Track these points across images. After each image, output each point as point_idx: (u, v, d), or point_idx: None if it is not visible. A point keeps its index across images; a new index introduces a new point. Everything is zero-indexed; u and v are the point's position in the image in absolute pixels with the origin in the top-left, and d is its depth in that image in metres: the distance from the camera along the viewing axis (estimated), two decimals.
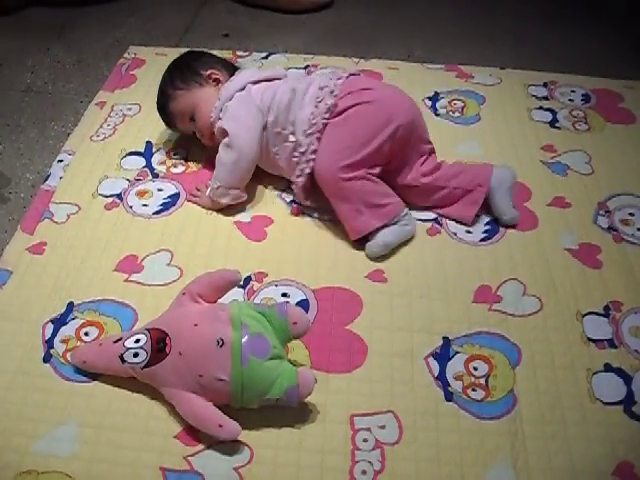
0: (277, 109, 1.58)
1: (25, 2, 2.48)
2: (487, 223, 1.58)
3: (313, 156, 1.52)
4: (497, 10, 2.55)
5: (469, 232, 1.56)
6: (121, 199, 1.63)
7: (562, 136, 1.86)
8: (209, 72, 1.68)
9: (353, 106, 1.52)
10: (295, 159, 1.55)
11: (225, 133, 1.57)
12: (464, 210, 1.58)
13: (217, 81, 1.68)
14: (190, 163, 1.73)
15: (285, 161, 1.59)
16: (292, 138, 1.55)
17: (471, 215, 1.57)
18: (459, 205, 1.59)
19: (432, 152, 1.63)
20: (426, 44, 2.26)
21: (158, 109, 1.74)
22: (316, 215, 1.59)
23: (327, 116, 1.52)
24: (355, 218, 1.50)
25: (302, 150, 1.53)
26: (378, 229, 1.49)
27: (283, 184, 1.67)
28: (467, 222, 1.58)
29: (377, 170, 1.52)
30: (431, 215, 1.60)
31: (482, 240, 1.55)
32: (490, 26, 2.44)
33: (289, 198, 1.63)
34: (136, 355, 1.20)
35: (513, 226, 1.58)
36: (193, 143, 1.76)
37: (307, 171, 1.53)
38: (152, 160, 1.74)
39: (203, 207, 1.61)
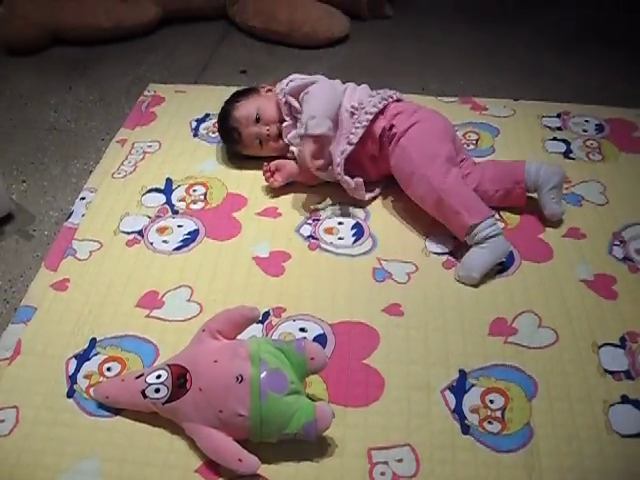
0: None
1: (48, 42, 2.55)
2: None
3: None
4: (511, 40, 2.58)
5: None
6: (142, 236, 1.66)
7: (576, 167, 1.88)
8: (264, 87, 1.89)
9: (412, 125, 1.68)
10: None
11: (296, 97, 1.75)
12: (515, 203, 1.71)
13: (270, 91, 1.87)
14: (209, 199, 1.77)
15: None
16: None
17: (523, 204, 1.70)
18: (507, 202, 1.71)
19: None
20: (440, 76, 2.29)
21: (220, 126, 1.88)
22: (333, 250, 1.62)
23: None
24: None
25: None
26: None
27: (301, 219, 1.70)
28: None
29: None
30: (447, 248, 1.62)
31: (498, 273, 1.56)
32: (504, 57, 2.48)
33: (307, 233, 1.66)
34: (157, 391, 1.23)
35: (531, 254, 1.61)
36: (213, 180, 1.81)
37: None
38: (172, 197, 1.78)
39: (289, 175, 1.77)
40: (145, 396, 1.24)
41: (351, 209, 1.74)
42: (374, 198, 1.78)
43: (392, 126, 1.69)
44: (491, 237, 1.54)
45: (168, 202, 1.76)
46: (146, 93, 2.21)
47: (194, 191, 1.79)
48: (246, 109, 1.82)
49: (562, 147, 1.96)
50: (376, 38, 2.58)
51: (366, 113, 1.70)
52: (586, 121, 2.07)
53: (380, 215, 1.73)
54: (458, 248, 1.61)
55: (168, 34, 2.64)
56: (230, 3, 2.64)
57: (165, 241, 1.65)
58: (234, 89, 2.00)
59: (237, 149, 1.88)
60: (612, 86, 2.29)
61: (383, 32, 2.65)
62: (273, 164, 1.78)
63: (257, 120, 1.81)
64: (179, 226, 1.69)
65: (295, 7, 2.52)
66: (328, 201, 1.77)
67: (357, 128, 1.69)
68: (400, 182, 1.70)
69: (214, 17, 2.70)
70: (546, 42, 2.58)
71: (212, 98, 2.15)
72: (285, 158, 1.83)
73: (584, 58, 2.46)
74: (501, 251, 1.56)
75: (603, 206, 1.75)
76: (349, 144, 1.69)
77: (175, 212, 1.73)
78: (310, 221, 1.70)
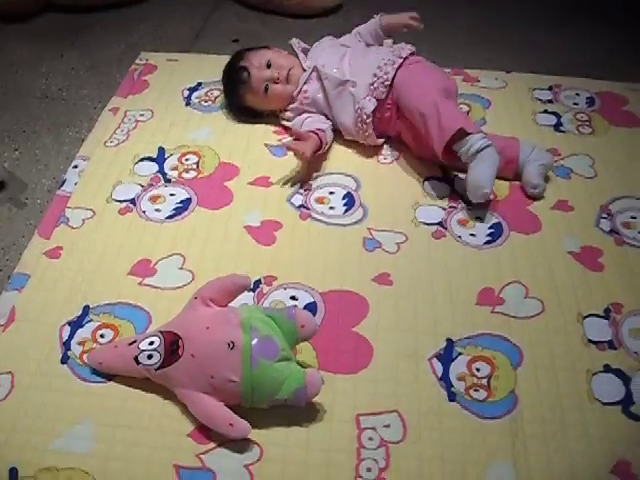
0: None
1: (40, 8, 2.53)
2: (491, 227, 1.62)
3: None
4: (504, 14, 2.58)
5: (473, 235, 1.60)
6: (134, 204, 1.67)
7: (566, 140, 1.90)
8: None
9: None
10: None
11: None
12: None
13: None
14: (202, 168, 1.78)
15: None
16: None
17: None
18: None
19: None
20: (434, 47, 2.27)
21: (229, 66, 1.94)
22: (324, 219, 1.64)
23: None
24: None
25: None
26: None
27: (292, 188, 1.72)
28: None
29: None
30: (437, 218, 1.64)
31: (486, 243, 1.58)
32: (498, 30, 2.48)
33: (298, 202, 1.68)
34: (150, 357, 1.25)
35: (520, 225, 1.63)
36: (206, 149, 1.82)
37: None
38: (164, 165, 1.79)
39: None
40: (138, 362, 1.26)
41: (342, 179, 1.75)
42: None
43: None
44: (485, 148, 1.59)
45: (161, 171, 1.77)
46: (138, 61, 2.21)
47: (186, 160, 1.80)
48: (259, 54, 1.90)
49: (553, 120, 1.97)
50: (370, 8, 2.52)
51: (386, 73, 1.77)
52: (577, 94, 2.08)
53: (371, 185, 1.74)
54: (448, 218, 1.64)
55: (161, 2, 2.62)
56: None
57: (158, 210, 1.66)
58: (227, 58, 2.00)
59: (240, 93, 1.89)
60: (604, 60, 2.30)
61: (377, 2, 2.63)
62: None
63: (268, 66, 1.86)
64: (171, 195, 1.70)
65: None
66: (320, 171, 1.78)
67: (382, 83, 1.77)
68: (398, 94, 1.76)
69: None
70: (541, 15, 2.57)
71: (204, 67, 2.16)
72: (279, 111, 1.91)
73: (577, 32, 2.47)
74: (497, 161, 1.61)
75: (592, 179, 1.77)
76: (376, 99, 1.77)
77: (167, 181, 1.74)
78: (301, 190, 1.71)
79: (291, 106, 1.88)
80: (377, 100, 1.77)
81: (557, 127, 1.94)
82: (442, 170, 1.77)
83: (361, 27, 1.99)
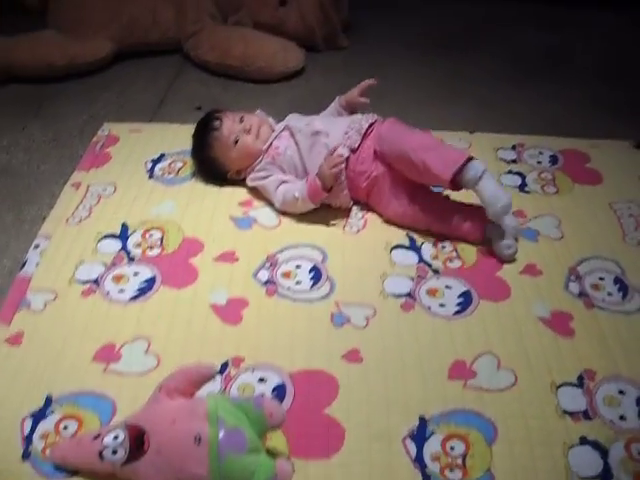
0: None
1: (1, 80, 2.51)
2: (460, 295, 1.61)
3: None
4: (466, 71, 2.62)
5: (443, 305, 1.59)
6: (98, 285, 1.64)
7: (532, 200, 1.91)
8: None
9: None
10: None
11: None
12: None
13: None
14: (166, 245, 1.75)
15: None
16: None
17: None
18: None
19: None
20: (396, 108, 2.28)
21: (203, 118, 1.97)
22: (291, 295, 1.61)
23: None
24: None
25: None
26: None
27: (258, 263, 1.69)
28: None
29: None
30: (405, 289, 1.62)
31: (456, 313, 1.57)
32: (460, 88, 2.51)
33: (264, 278, 1.65)
34: (115, 452, 1.21)
35: (489, 292, 1.62)
36: (170, 224, 1.80)
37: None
38: (128, 243, 1.76)
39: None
40: (103, 457, 1.21)
41: (308, 251, 1.74)
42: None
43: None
44: (485, 169, 1.68)
45: (124, 248, 1.74)
46: (100, 133, 2.19)
47: (150, 236, 1.78)
48: (234, 112, 1.94)
49: (517, 180, 1.98)
50: (331, 70, 2.59)
51: (360, 124, 1.84)
52: (540, 153, 2.10)
53: (337, 256, 1.72)
54: (416, 288, 1.63)
55: (123, 70, 2.62)
56: (184, 37, 2.64)
57: (121, 290, 1.63)
58: (190, 127, 2.00)
59: (209, 142, 1.90)
60: (566, 118, 2.33)
61: (338, 64, 2.66)
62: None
63: (241, 121, 1.89)
64: (135, 274, 1.67)
65: (249, 41, 2.54)
66: (285, 243, 1.76)
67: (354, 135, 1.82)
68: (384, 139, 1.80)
69: (169, 51, 2.69)
70: (501, 74, 2.61)
71: (167, 137, 2.15)
72: (249, 167, 1.90)
73: (539, 91, 2.50)
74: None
75: (559, 240, 1.77)
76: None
77: (131, 259, 1.71)
78: (267, 265, 1.69)
79: (262, 163, 1.87)
80: (351, 150, 1.79)
81: (522, 188, 1.95)
82: (409, 238, 1.76)
83: (324, 112, 2.01)
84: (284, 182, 1.84)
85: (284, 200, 1.81)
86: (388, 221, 1.81)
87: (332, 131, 1.83)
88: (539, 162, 2.06)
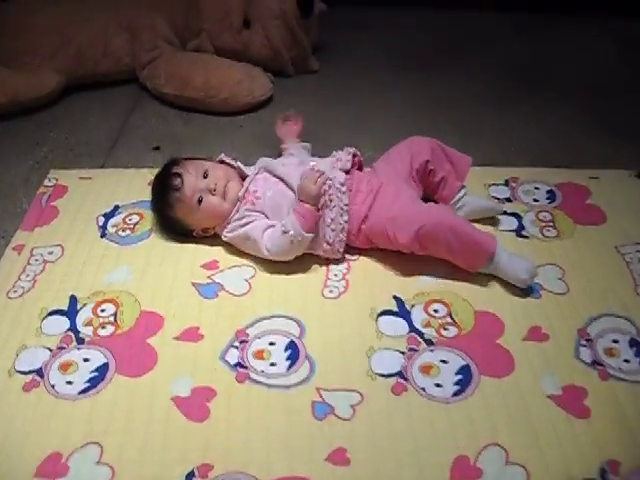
0: None
1: None
2: (458, 372, 1.41)
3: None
4: (442, 98, 2.41)
5: (439, 385, 1.38)
6: (42, 376, 1.41)
7: (531, 247, 1.71)
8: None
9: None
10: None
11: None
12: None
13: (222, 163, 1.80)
14: (120, 322, 1.53)
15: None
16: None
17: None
18: None
19: None
20: (374, 141, 2.08)
21: (161, 172, 1.74)
22: (264, 381, 1.40)
23: None
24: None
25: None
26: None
27: (226, 340, 1.48)
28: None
29: None
30: (395, 367, 1.42)
31: (455, 394, 1.37)
32: (440, 114, 2.30)
33: (233, 360, 1.44)
34: None
35: (491, 366, 1.42)
36: (124, 295, 1.58)
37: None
38: (77, 320, 1.53)
39: None
40: None
41: (284, 323, 1.52)
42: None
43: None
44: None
45: (72, 328, 1.51)
46: (47, 183, 1.95)
47: (102, 311, 1.55)
48: (196, 162, 1.73)
49: (514, 223, 1.78)
50: (302, 98, 2.36)
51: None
52: (536, 188, 1.90)
53: (317, 328, 1.51)
54: (408, 364, 1.42)
55: (73, 105, 2.37)
56: (140, 66, 2.40)
57: (69, 382, 1.40)
58: (147, 173, 1.81)
59: (170, 202, 1.67)
60: (557, 140, 2.15)
61: (309, 90, 2.44)
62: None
63: (204, 176, 1.68)
64: (85, 360, 1.45)
65: (211, 70, 2.30)
66: (256, 314, 1.54)
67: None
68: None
69: (124, 81, 2.46)
70: (481, 96, 2.41)
71: (122, 185, 1.93)
72: (212, 229, 1.72)
73: (522, 113, 2.31)
74: None
75: (564, 295, 1.58)
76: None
77: (81, 340, 1.49)
78: (237, 343, 1.47)
79: (240, 211, 1.66)
80: (344, 172, 1.69)
81: (519, 231, 1.76)
82: (396, 301, 1.56)
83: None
84: (271, 227, 1.64)
85: (273, 242, 1.60)
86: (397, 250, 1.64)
87: (318, 161, 1.74)
88: (535, 200, 1.86)
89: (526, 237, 1.74)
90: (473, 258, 1.58)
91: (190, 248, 1.72)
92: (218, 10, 2.43)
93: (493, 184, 1.92)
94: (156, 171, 1.79)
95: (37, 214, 1.84)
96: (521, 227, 1.77)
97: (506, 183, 1.92)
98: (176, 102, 2.34)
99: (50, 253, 1.71)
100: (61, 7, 2.43)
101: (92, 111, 2.34)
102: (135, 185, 1.88)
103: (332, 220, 1.61)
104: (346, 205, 1.62)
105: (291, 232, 1.57)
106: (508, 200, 1.86)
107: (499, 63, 2.63)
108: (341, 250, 1.64)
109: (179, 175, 1.67)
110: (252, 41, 2.44)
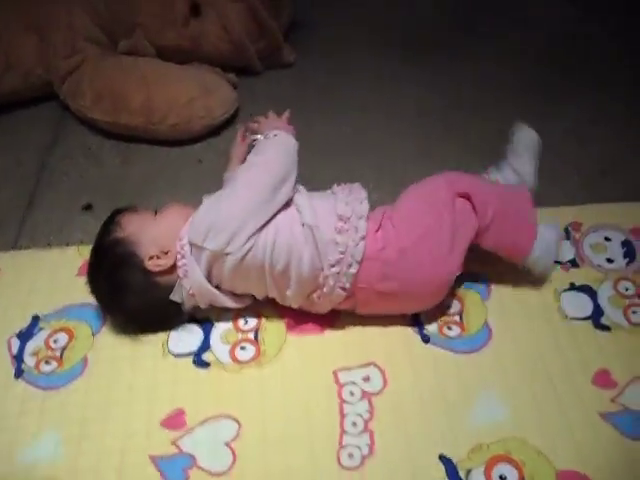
0: None
1: None
2: None
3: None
4: (456, 90, 1.87)
5: None
6: None
7: (616, 345, 1.23)
8: None
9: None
10: None
11: None
12: None
13: None
14: None
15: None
16: None
17: None
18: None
19: None
20: (379, 173, 1.57)
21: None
22: None
23: None
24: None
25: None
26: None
27: None
28: None
29: None
30: None
31: None
32: (454, 121, 1.77)
33: None
34: None
35: None
36: None
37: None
38: None
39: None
40: None
41: None
42: None
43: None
44: None
45: None
46: None
47: None
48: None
49: (587, 305, 1.29)
50: (277, 101, 1.72)
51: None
52: (607, 239, 1.40)
53: None
54: None
55: None
56: (58, 79, 1.79)
57: None
58: (74, 253, 1.35)
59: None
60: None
61: (284, 93, 1.86)
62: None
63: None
64: None
65: (152, 85, 1.70)
66: None
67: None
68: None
69: (41, 100, 1.86)
70: (508, 88, 1.86)
71: (42, 278, 1.41)
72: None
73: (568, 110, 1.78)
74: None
75: None
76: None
77: None
78: None
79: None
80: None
81: (597, 320, 1.26)
82: (445, 466, 1.09)
83: None
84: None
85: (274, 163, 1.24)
86: None
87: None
88: (610, 260, 1.36)
89: (608, 329, 1.25)
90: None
91: (143, 386, 1.21)
92: None
93: None
94: (87, 250, 1.28)
95: None
96: (599, 311, 1.27)
97: (566, 231, 1.41)
98: (110, 130, 1.76)
99: None
100: None
101: (4, 149, 1.74)
102: (60, 279, 1.37)
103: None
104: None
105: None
106: (573, 264, 1.36)
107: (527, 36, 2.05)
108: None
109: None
110: (204, 34, 1.84)
